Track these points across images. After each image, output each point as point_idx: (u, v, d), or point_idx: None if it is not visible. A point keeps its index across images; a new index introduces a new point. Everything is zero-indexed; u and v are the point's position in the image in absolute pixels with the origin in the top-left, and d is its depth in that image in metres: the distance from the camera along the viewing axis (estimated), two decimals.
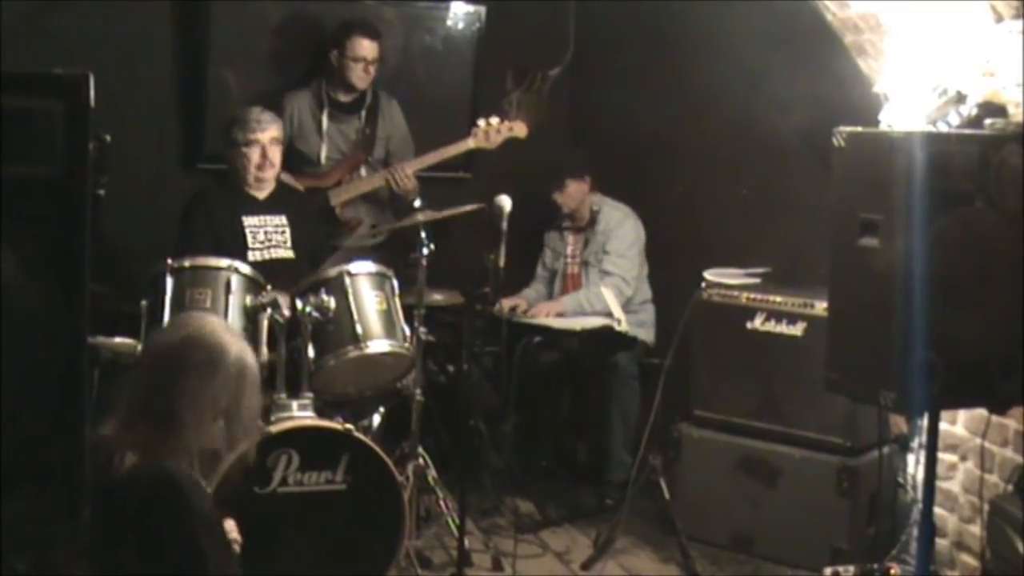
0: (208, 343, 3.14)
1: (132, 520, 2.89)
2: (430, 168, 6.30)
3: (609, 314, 6.24)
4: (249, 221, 5.47)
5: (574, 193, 6.56)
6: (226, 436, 3.19)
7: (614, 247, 6.51)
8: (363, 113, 6.38)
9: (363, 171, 6.31)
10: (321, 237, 5.81)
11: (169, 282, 4.78)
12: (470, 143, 6.20)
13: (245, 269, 4.94)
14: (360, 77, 6.25)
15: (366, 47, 6.22)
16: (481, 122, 6.23)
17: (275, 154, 5.49)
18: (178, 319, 3.35)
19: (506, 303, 6.30)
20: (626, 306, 6.38)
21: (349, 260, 5.24)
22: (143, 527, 2.93)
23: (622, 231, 6.54)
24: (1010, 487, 4.53)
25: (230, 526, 3.46)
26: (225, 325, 3.32)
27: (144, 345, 3.37)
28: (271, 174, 5.50)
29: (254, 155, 5.43)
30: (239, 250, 5.30)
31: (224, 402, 3.15)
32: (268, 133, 5.44)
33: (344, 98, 6.35)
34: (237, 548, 3.43)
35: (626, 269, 6.48)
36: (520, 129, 6.29)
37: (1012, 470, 4.55)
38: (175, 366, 3.11)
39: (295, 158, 6.10)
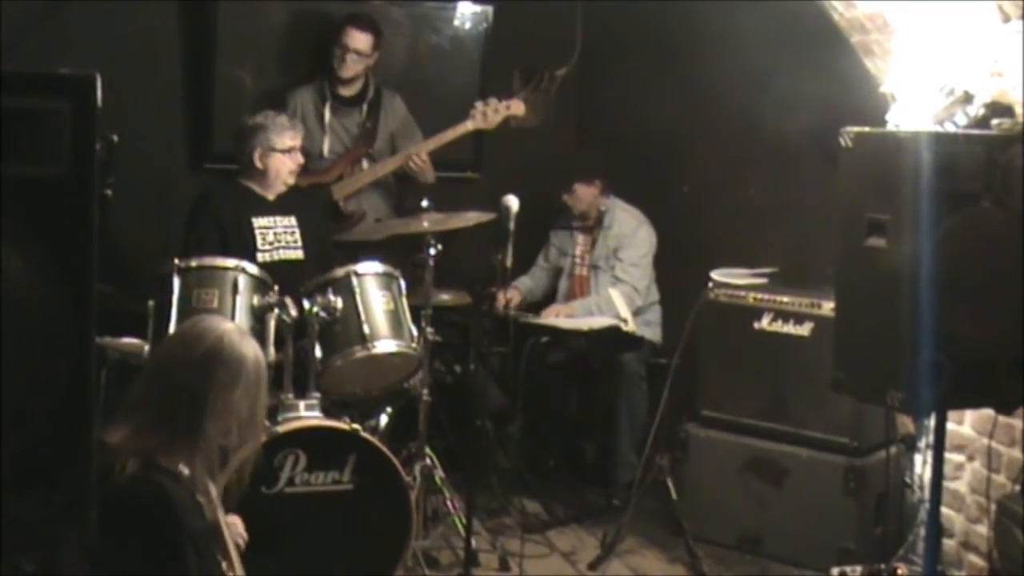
0: (231, 358, 3.16)
1: (122, 531, 2.88)
2: (438, 168, 6.31)
3: (616, 315, 6.25)
4: (259, 222, 5.47)
5: (582, 196, 6.54)
6: (239, 435, 3.23)
7: (627, 256, 6.49)
8: (364, 107, 6.40)
9: (364, 164, 6.32)
10: (327, 236, 5.81)
11: (176, 282, 4.78)
12: (468, 125, 6.22)
13: (252, 269, 4.94)
14: (346, 67, 6.26)
15: (357, 38, 6.23)
16: (479, 103, 6.24)
17: (301, 160, 5.54)
18: (192, 328, 3.32)
19: (502, 298, 6.30)
20: (635, 309, 6.38)
21: (357, 259, 5.25)
22: (131, 541, 2.93)
23: (637, 239, 6.53)
24: (1017, 487, 4.52)
25: (234, 520, 3.46)
26: (239, 330, 3.32)
27: (158, 354, 3.35)
28: (294, 179, 5.54)
29: (290, 162, 5.45)
30: (248, 251, 5.30)
31: (245, 407, 3.19)
32: (300, 141, 5.50)
33: (345, 92, 6.37)
34: (242, 543, 3.44)
35: (638, 278, 6.47)
36: (517, 107, 6.30)
37: (1019, 470, 4.55)
38: (201, 383, 3.13)
39: None
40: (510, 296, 6.54)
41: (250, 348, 3.25)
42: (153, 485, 2.99)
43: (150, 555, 2.97)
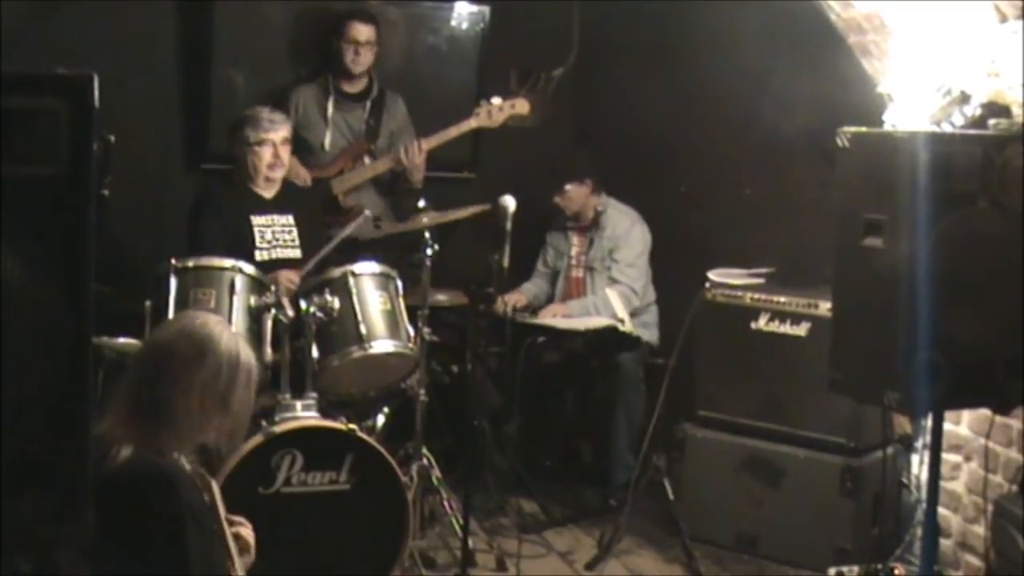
0: (197, 334, 3.15)
1: (121, 513, 2.90)
2: (434, 168, 6.32)
3: (614, 315, 6.25)
4: (257, 220, 5.48)
5: (574, 196, 6.55)
6: (219, 429, 3.21)
7: (623, 256, 6.49)
8: (368, 104, 6.41)
9: (366, 160, 6.33)
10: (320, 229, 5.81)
11: (173, 282, 4.79)
12: (472, 123, 6.25)
13: (249, 269, 4.95)
14: (353, 60, 6.29)
15: (359, 30, 6.27)
16: (483, 102, 6.27)
17: (285, 154, 5.52)
18: (173, 317, 3.37)
19: (507, 299, 6.30)
20: (632, 310, 6.38)
21: (352, 256, 5.25)
22: (131, 520, 2.95)
23: (631, 239, 6.53)
24: (1014, 487, 4.53)
25: (247, 532, 3.46)
26: (221, 321, 3.33)
27: (143, 345, 3.39)
28: (280, 174, 5.53)
29: (266, 154, 5.44)
30: (247, 249, 5.31)
31: (215, 393, 3.14)
32: (280, 133, 5.46)
33: (349, 88, 6.39)
34: (252, 554, 3.43)
35: (634, 278, 6.47)
36: (522, 106, 6.33)
37: (1016, 470, 4.55)
38: (164, 357, 3.13)
39: (299, 149, 6.08)
40: (516, 299, 6.54)
41: (226, 333, 3.23)
42: (150, 464, 3.01)
43: (151, 531, 2.98)
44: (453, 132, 6.25)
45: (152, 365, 3.14)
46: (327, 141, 6.32)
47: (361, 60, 6.30)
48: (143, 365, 3.18)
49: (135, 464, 2.99)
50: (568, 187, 6.52)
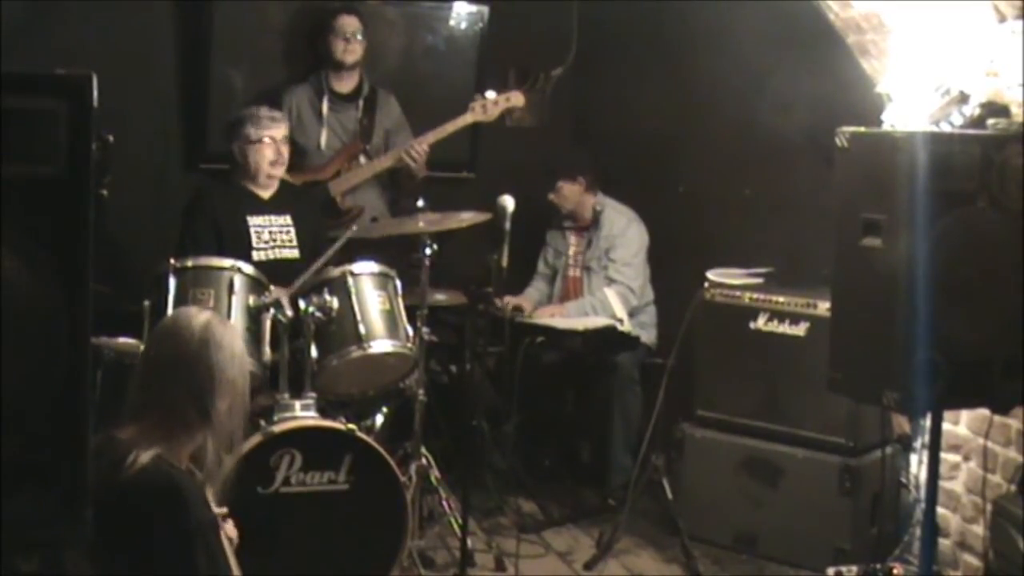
0: (223, 340, 3.24)
1: (132, 522, 2.92)
2: (433, 168, 6.31)
3: (612, 315, 6.25)
4: (254, 221, 5.47)
5: (567, 194, 6.56)
6: (238, 412, 3.30)
7: (619, 255, 6.49)
8: (361, 103, 6.41)
9: (362, 160, 6.32)
10: (322, 232, 5.81)
11: (172, 282, 4.78)
12: (468, 117, 6.25)
13: (248, 269, 4.94)
14: (344, 51, 6.30)
15: (347, 21, 6.28)
16: (478, 96, 6.28)
17: (286, 151, 5.52)
18: (177, 321, 3.36)
19: (510, 301, 6.30)
20: (631, 309, 6.38)
21: (351, 256, 5.25)
22: (140, 530, 2.96)
23: (627, 238, 6.53)
24: (1013, 487, 4.53)
25: (229, 528, 3.47)
26: (215, 315, 3.40)
27: (153, 353, 3.37)
28: (281, 171, 5.53)
29: (268, 152, 5.44)
30: (243, 249, 5.30)
31: (240, 384, 3.28)
32: (281, 130, 5.47)
33: (342, 88, 6.39)
34: (233, 542, 3.45)
35: (631, 277, 6.47)
36: (517, 99, 6.35)
37: (1015, 470, 4.55)
38: (204, 370, 3.20)
39: (294, 152, 6.07)
40: (521, 303, 6.54)
41: (229, 328, 3.36)
42: (165, 476, 3.03)
43: (161, 544, 2.99)
44: (449, 128, 6.25)
45: (191, 378, 3.19)
46: (323, 142, 6.32)
47: (352, 50, 6.30)
48: (178, 377, 3.21)
49: (151, 474, 3.01)
50: (561, 184, 6.53)
